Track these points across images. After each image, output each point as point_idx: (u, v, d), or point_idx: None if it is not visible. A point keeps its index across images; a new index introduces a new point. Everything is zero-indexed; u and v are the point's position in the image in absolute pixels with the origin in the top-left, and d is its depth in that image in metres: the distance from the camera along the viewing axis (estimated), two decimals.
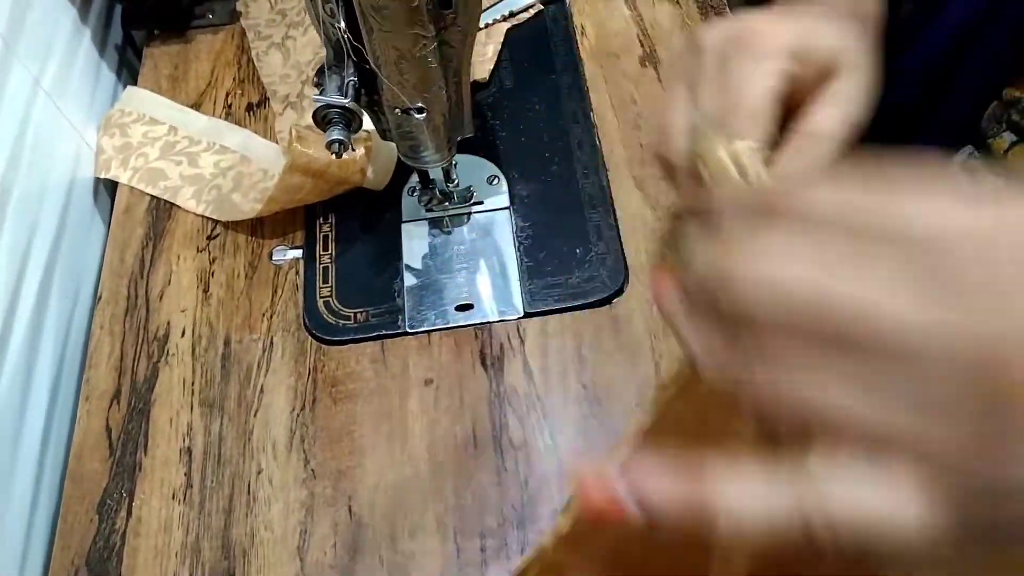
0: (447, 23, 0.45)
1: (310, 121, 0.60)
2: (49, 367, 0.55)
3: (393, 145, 0.53)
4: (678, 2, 0.66)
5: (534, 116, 0.62)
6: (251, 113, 0.65)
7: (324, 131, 0.46)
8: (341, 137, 0.45)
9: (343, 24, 0.43)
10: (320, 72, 0.46)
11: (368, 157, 0.56)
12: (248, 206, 0.58)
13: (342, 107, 0.45)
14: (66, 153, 0.63)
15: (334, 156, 0.46)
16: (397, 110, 0.48)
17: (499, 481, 0.47)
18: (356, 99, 0.46)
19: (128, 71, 0.74)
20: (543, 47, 0.66)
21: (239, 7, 0.71)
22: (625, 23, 0.66)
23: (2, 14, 0.57)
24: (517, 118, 0.62)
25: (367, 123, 0.49)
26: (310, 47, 0.67)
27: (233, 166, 0.61)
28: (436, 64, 0.45)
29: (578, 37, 0.66)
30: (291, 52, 0.67)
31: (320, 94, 0.46)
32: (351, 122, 0.46)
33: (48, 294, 0.57)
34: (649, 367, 0.50)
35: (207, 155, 0.62)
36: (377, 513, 0.47)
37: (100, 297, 0.57)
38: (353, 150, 0.54)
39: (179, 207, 0.60)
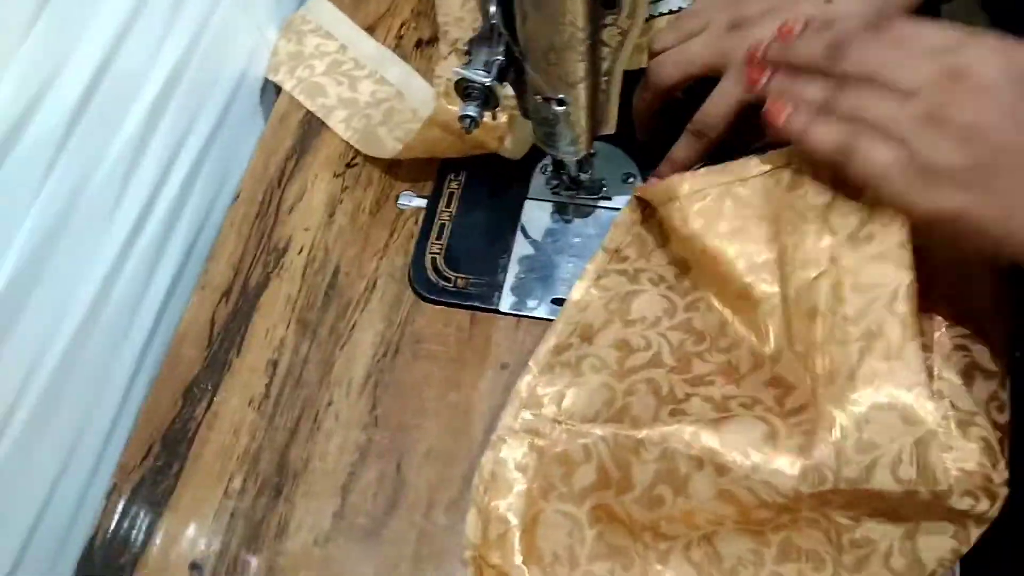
0: (607, 22, 0.43)
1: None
2: (178, 250, 0.60)
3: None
4: None
5: (682, 118, 0.59)
6: (419, 49, 0.65)
7: (462, 101, 0.46)
8: (474, 114, 0.45)
9: (496, 5, 0.42)
10: (472, 42, 0.46)
11: (510, 126, 0.55)
12: (390, 144, 0.59)
13: (481, 83, 0.44)
14: (243, 48, 0.66)
15: (464, 130, 0.46)
16: (539, 97, 0.47)
17: None
18: (499, 78, 0.45)
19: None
20: None
21: None
22: None
23: None
24: (664, 118, 0.59)
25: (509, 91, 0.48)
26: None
27: (388, 99, 0.62)
28: (587, 61, 0.44)
29: None
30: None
31: (466, 64, 0.45)
32: (488, 100, 0.45)
33: (195, 181, 0.61)
34: None
35: (367, 82, 0.64)
36: (423, 478, 0.49)
37: (238, 196, 0.60)
38: (495, 118, 0.53)
39: (328, 128, 0.62)
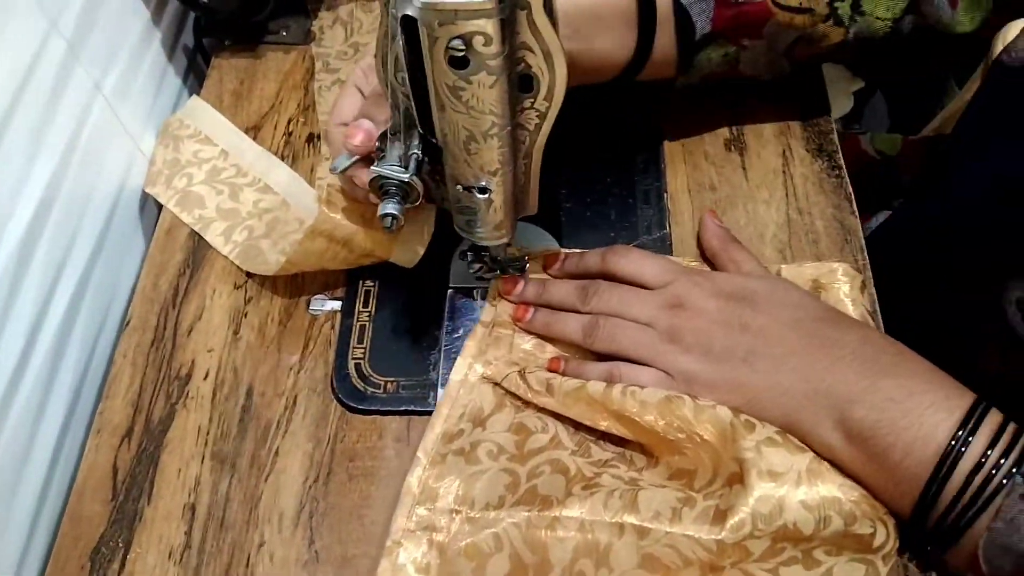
0: (524, 106, 0.41)
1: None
2: (66, 393, 0.53)
3: (430, 223, 0.51)
4: (771, 84, 0.62)
5: (603, 190, 0.58)
6: (311, 144, 0.62)
7: (380, 200, 0.43)
8: (395, 212, 0.42)
9: (413, 98, 0.39)
10: (383, 138, 0.43)
11: (399, 232, 0.52)
12: (273, 258, 0.54)
13: (400, 180, 0.42)
14: (118, 160, 0.61)
15: (386, 229, 0.43)
16: (459, 186, 0.44)
17: None
18: (417, 172, 0.42)
19: (195, 79, 0.72)
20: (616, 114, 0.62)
21: (315, 29, 0.68)
22: (714, 99, 0.62)
23: (71, 15, 0.55)
24: (585, 189, 0.58)
25: None
26: None
27: (271, 209, 0.58)
28: (506, 147, 0.42)
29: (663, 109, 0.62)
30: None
31: (379, 161, 0.42)
32: (408, 195, 0.43)
33: (78, 309, 0.55)
34: None
35: (249, 191, 0.60)
36: None
37: (128, 322, 0.55)
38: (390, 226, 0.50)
39: None
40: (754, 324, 0.45)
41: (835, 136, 0.59)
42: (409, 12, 0.35)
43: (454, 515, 0.44)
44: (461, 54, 0.36)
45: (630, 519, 0.42)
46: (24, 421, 0.49)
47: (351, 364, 0.52)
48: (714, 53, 0.52)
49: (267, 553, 0.46)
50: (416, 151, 0.42)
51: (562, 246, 0.55)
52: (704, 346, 0.46)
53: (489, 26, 0.35)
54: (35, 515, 0.50)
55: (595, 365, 0.48)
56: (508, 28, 0.36)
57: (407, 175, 0.41)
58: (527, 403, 0.49)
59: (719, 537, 0.41)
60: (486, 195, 0.44)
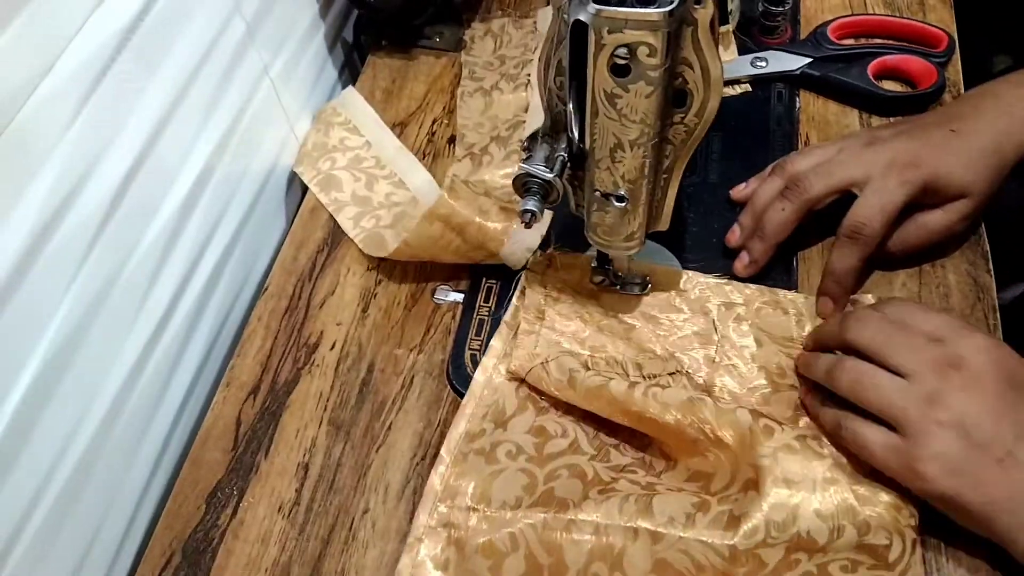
0: (674, 120, 0.43)
1: (484, 176, 0.61)
2: (201, 346, 0.57)
3: (542, 228, 0.54)
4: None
5: (731, 218, 0.58)
6: (451, 145, 0.65)
7: (521, 197, 0.45)
8: (534, 208, 0.44)
9: (570, 102, 0.41)
10: (532, 137, 0.45)
11: (508, 231, 0.54)
12: (393, 245, 0.57)
13: (544, 179, 0.43)
14: (274, 140, 0.65)
15: (522, 224, 0.44)
16: (598, 192, 0.46)
17: None
18: (560, 174, 0.44)
19: (350, 75, 0.76)
20: (760, 146, 0.62)
21: (466, 39, 0.71)
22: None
23: (253, 2, 0.59)
24: (713, 215, 0.59)
25: None
26: (513, 106, 0.66)
27: (401, 203, 0.61)
28: (651, 158, 0.43)
29: (800, 145, 0.62)
30: (494, 103, 0.66)
31: (526, 160, 0.44)
32: (548, 195, 0.44)
33: (221, 274, 0.59)
34: None
35: (384, 183, 0.63)
36: None
37: (266, 289, 0.58)
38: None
39: None
40: None
41: None
42: (581, 17, 0.37)
43: (471, 513, 0.45)
44: (624, 62, 0.38)
45: (644, 524, 0.42)
46: (162, 368, 0.53)
47: (467, 354, 0.53)
48: None
49: (370, 520, 0.48)
50: (562, 153, 0.44)
51: (684, 267, 0.56)
52: (966, 427, 0.40)
53: (655, 38, 0.37)
54: (159, 456, 0.54)
55: (829, 409, 0.46)
56: (672, 42, 0.38)
57: (551, 175, 0.43)
58: (550, 405, 0.50)
59: (732, 543, 0.41)
60: (623, 204, 0.45)
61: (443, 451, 0.48)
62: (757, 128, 0.63)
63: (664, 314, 0.54)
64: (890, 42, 0.65)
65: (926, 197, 0.50)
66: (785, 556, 0.42)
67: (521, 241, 0.55)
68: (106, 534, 0.49)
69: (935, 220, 0.51)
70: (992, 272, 0.54)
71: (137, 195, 0.49)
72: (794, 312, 0.53)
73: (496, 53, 0.71)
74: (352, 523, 0.48)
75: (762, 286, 0.54)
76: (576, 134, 0.43)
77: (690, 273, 0.55)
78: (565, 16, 0.38)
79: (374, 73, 0.71)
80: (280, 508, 0.49)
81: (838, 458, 0.45)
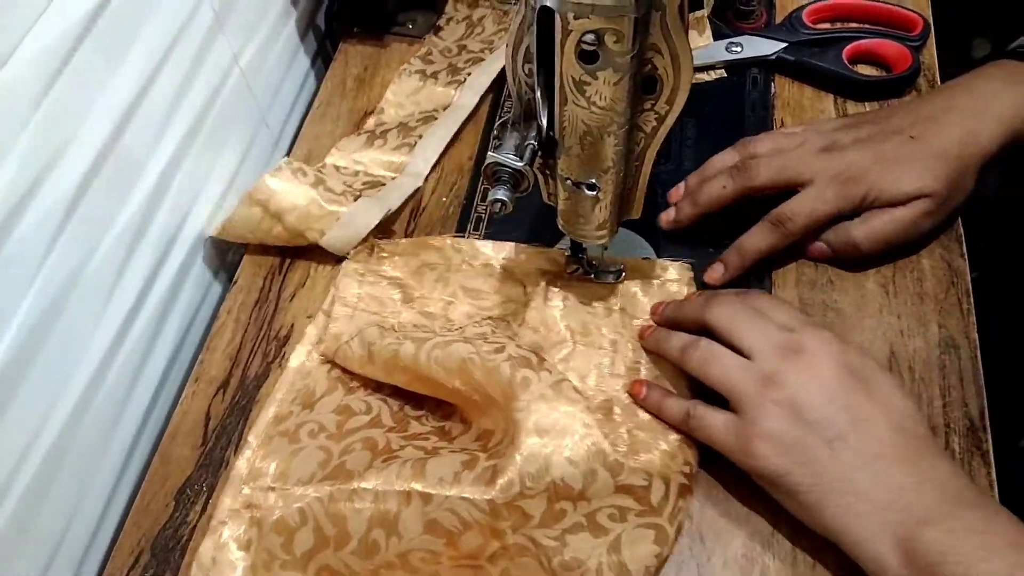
0: (644, 107, 0.42)
1: (365, 157, 0.62)
2: (170, 342, 0.56)
3: (371, 217, 0.55)
4: None
5: None
6: None
7: (491, 186, 0.44)
8: (504, 198, 0.43)
9: (538, 90, 0.40)
10: (503, 126, 0.44)
11: (333, 219, 0.55)
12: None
13: (513, 168, 0.43)
14: (244, 131, 0.64)
15: (494, 214, 0.44)
16: (569, 181, 0.45)
17: None
18: (531, 162, 0.43)
19: (323, 62, 0.75)
20: (734, 132, 0.62)
21: (443, 18, 0.70)
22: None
23: None
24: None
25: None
26: (437, 99, 0.65)
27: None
28: (621, 146, 0.43)
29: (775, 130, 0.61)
30: (424, 89, 0.66)
31: (496, 148, 0.44)
32: (519, 184, 0.44)
33: (190, 269, 0.58)
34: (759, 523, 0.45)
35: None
36: None
37: (235, 282, 0.57)
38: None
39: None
40: (860, 411, 0.42)
41: None
42: (547, 3, 0.37)
43: (270, 492, 0.46)
44: (591, 49, 0.37)
45: (416, 486, 0.43)
46: (131, 362, 0.52)
47: None
48: None
49: None
50: (532, 142, 0.43)
51: (658, 255, 0.56)
52: (798, 407, 0.42)
53: (622, 24, 0.36)
54: (129, 452, 0.53)
55: (673, 402, 0.47)
56: (640, 27, 0.37)
57: (521, 163, 0.42)
58: (360, 385, 0.51)
59: (490, 497, 0.41)
60: (594, 192, 0.45)
61: (250, 436, 0.49)
62: (732, 114, 0.63)
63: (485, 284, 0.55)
64: (865, 26, 0.65)
65: (867, 207, 0.51)
66: (549, 507, 0.42)
67: (345, 231, 0.55)
68: (75, 532, 0.48)
69: (901, 213, 0.50)
70: (966, 256, 0.54)
71: (103, 187, 0.48)
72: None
73: (461, 41, 0.70)
74: None
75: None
76: (545, 122, 0.43)
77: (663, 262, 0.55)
78: (532, 2, 0.38)
79: (346, 61, 0.70)
80: (248, 506, 0.48)
81: (592, 401, 0.47)
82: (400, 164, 0.61)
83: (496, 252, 0.55)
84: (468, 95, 0.65)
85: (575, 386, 0.45)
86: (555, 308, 0.53)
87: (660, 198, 0.59)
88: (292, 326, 0.55)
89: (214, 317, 0.57)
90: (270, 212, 0.54)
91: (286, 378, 0.51)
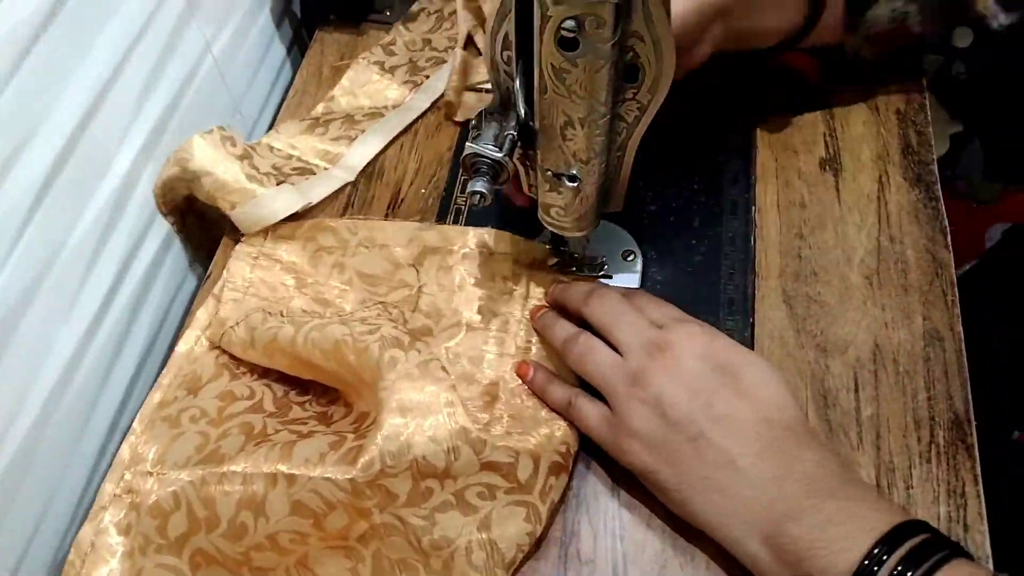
0: (626, 97, 0.41)
1: (299, 143, 0.61)
2: (142, 339, 0.55)
3: (288, 204, 0.55)
4: (876, 110, 0.60)
5: (690, 196, 0.57)
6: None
7: (470, 177, 0.43)
8: (483, 190, 0.42)
9: (517, 78, 0.39)
10: (481, 115, 0.43)
11: (249, 196, 0.54)
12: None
13: (492, 159, 0.42)
14: (218, 120, 0.62)
15: (473, 206, 0.43)
16: (549, 172, 0.44)
17: None
18: (510, 153, 0.42)
19: (299, 50, 0.73)
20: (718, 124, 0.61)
21: (415, 8, 0.69)
22: (814, 118, 0.60)
23: None
24: (671, 194, 0.57)
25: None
26: (389, 96, 0.64)
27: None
28: (603, 136, 0.42)
29: (759, 121, 0.61)
30: (378, 83, 0.65)
31: (475, 139, 0.43)
32: (499, 175, 0.43)
33: (161, 263, 0.57)
34: None
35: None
36: None
37: (209, 275, 0.56)
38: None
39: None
40: (722, 407, 0.41)
41: (935, 167, 0.58)
42: None
43: (148, 476, 0.45)
44: (572, 36, 0.36)
45: (282, 468, 0.42)
46: (101, 360, 0.51)
47: None
48: (882, 9, 0.51)
49: None
50: (511, 132, 0.42)
51: (641, 249, 0.55)
52: (662, 406, 0.42)
53: (604, 9, 0.35)
54: (99, 452, 0.52)
55: (557, 387, 0.47)
56: (622, 14, 0.36)
57: (500, 154, 0.41)
58: (247, 370, 0.51)
59: (351, 476, 0.41)
60: (575, 183, 0.44)
61: (135, 422, 0.48)
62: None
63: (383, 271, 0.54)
64: None
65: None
66: (415, 486, 0.42)
67: (257, 211, 0.54)
68: (42, 538, 0.47)
69: None
70: (950, 247, 0.54)
71: (71, 178, 0.46)
72: (504, 252, 0.53)
73: (428, 35, 0.68)
74: None
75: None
76: (524, 111, 0.41)
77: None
78: None
79: (322, 49, 0.68)
80: None
81: (460, 381, 0.47)
82: (336, 155, 0.60)
83: (393, 233, 0.55)
84: (421, 98, 0.64)
85: (443, 365, 0.45)
86: (449, 291, 0.52)
87: (644, 190, 0.58)
88: None
89: (189, 309, 0.55)
90: (186, 172, 0.54)
91: (173, 363, 0.51)
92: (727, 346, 0.44)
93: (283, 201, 0.55)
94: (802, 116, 0.60)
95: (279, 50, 0.71)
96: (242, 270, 0.54)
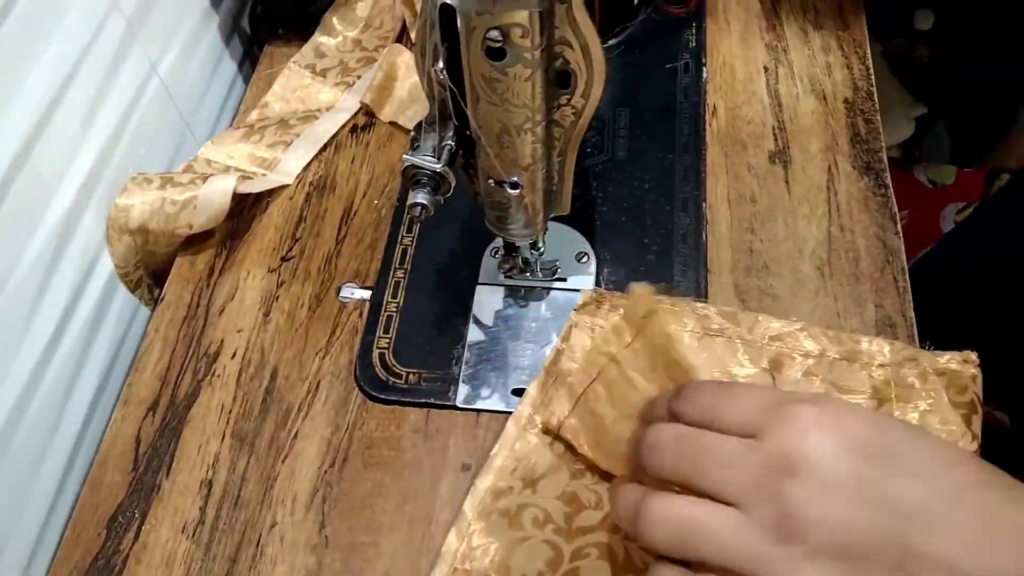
0: (560, 103, 0.41)
1: (235, 151, 0.61)
2: (99, 365, 0.55)
3: (225, 196, 0.55)
4: (824, 100, 0.61)
5: (641, 195, 0.57)
6: (354, 134, 0.63)
7: (411, 190, 0.43)
8: (424, 202, 0.42)
9: (449, 89, 0.39)
10: (418, 128, 0.43)
11: (191, 208, 0.55)
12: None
13: (431, 170, 0.42)
14: (169, 140, 0.62)
15: (414, 218, 0.43)
16: (491, 180, 0.44)
17: None
18: (450, 163, 0.42)
19: (250, 66, 0.73)
20: (667, 119, 0.61)
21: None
22: (762, 111, 0.61)
23: None
24: (622, 194, 0.57)
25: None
26: (322, 99, 0.64)
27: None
28: (540, 143, 0.42)
29: (708, 116, 0.61)
30: (310, 87, 0.65)
31: (414, 151, 0.43)
32: (439, 186, 0.43)
33: (116, 288, 0.56)
34: None
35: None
36: None
37: (163, 298, 0.56)
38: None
39: (260, 219, 0.58)
40: (908, 499, 0.29)
41: (884, 155, 0.58)
42: (448, 1, 0.35)
43: None
44: (498, 45, 0.36)
45: None
46: (57, 389, 0.50)
47: (375, 353, 0.52)
48: None
49: (278, 534, 0.46)
50: (450, 142, 0.42)
51: (594, 249, 0.55)
52: (840, 546, 0.29)
53: (526, 18, 0.35)
54: (61, 482, 0.51)
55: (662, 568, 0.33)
56: (546, 21, 0.36)
57: (439, 165, 0.41)
58: (586, 468, 0.45)
59: None
60: (517, 191, 0.44)
61: (466, 506, 0.45)
62: (664, 101, 0.62)
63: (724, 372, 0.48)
64: None
65: None
66: None
67: (208, 210, 0.55)
68: (8, 563, 0.46)
69: None
70: (900, 235, 0.54)
71: (14, 207, 0.46)
72: (876, 365, 0.47)
73: (360, 34, 0.68)
74: (259, 539, 0.46)
75: (839, 332, 0.48)
76: (459, 122, 0.41)
77: (714, 309, 0.50)
78: (432, 0, 0.36)
79: (271, 64, 0.68)
80: (184, 528, 0.47)
81: None
82: (272, 161, 0.61)
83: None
84: (352, 99, 0.64)
85: None
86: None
87: (595, 191, 0.58)
88: (222, 342, 0.53)
89: (144, 334, 0.55)
90: (132, 230, 0.54)
91: (504, 442, 0.45)
92: (857, 416, 0.32)
93: (219, 186, 0.55)
94: (751, 108, 0.61)
95: (230, 67, 0.71)
96: (583, 344, 0.47)
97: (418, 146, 0.43)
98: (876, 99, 0.61)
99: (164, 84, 0.61)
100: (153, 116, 0.60)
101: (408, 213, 0.42)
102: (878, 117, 0.60)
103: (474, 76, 0.38)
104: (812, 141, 0.59)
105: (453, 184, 0.43)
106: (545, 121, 0.41)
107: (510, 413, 0.48)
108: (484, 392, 0.50)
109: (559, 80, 0.40)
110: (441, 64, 0.38)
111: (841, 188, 0.56)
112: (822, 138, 0.59)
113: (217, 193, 0.55)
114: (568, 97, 0.41)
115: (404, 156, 0.42)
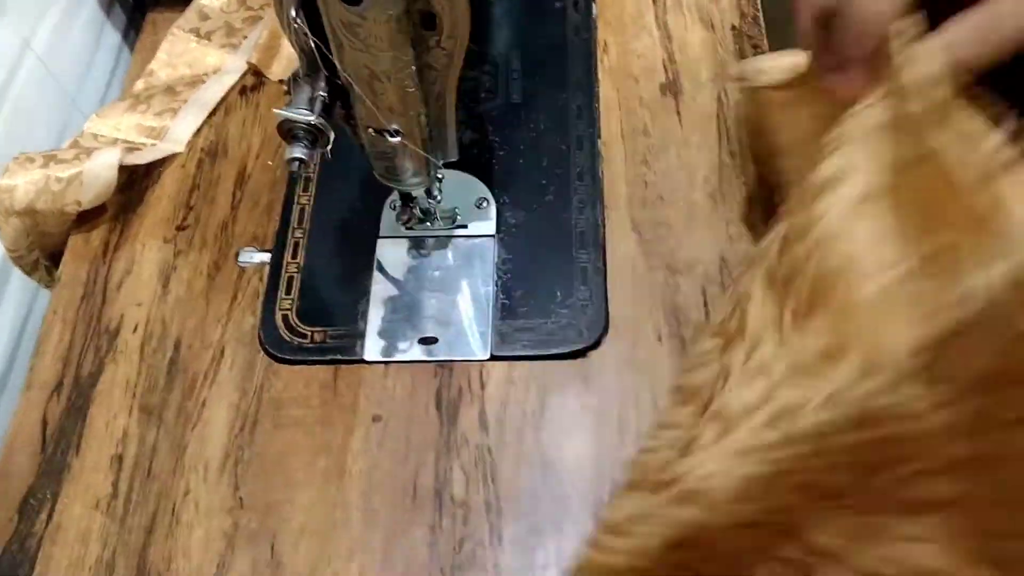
0: (430, 45, 0.41)
1: (122, 122, 0.59)
2: (2, 352, 0.53)
3: (112, 169, 0.54)
4: (712, 28, 0.61)
5: (537, 136, 0.57)
6: (243, 96, 0.62)
7: (288, 144, 0.42)
8: (302, 156, 0.41)
9: (311, 37, 0.39)
10: (291, 81, 0.43)
11: (77, 185, 0.54)
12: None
13: (306, 123, 0.41)
14: (54, 118, 0.61)
15: (291, 173, 0.42)
16: (370, 129, 0.44)
17: (432, 540, 0.44)
18: (325, 115, 0.42)
19: (136, 35, 0.71)
20: (559, 58, 0.61)
21: None
22: (652, 44, 0.61)
23: None
24: (518, 137, 0.58)
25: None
26: (208, 63, 0.63)
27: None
28: (414, 87, 0.41)
29: (599, 53, 0.61)
30: (195, 51, 0.63)
31: (287, 105, 0.42)
32: (317, 139, 0.42)
33: (9, 273, 0.55)
34: (613, 436, 0.46)
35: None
36: (300, 557, 0.44)
37: (59, 279, 0.54)
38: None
39: (152, 191, 0.57)
40: None
41: None
42: None
43: None
44: None
45: None
46: None
47: (279, 315, 0.51)
48: None
49: (192, 501, 0.46)
50: (322, 93, 0.41)
51: (493, 194, 0.55)
52: None
53: None
54: None
55: None
56: None
57: (312, 117, 0.41)
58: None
59: None
60: (398, 138, 0.44)
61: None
62: (555, 40, 0.62)
63: None
64: None
65: None
66: None
67: (95, 185, 0.54)
68: None
69: None
70: None
71: None
72: None
73: None
74: (174, 507, 0.46)
75: None
76: (329, 71, 0.41)
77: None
78: None
79: (155, 31, 0.66)
80: (97, 504, 0.47)
81: None
82: (161, 130, 0.59)
83: None
84: (239, 60, 0.63)
85: None
86: None
87: (492, 135, 0.58)
88: (122, 317, 0.52)
89: (44, 319, 0.54)
90: (19, 212, 0.53)
91: None
92: None
93: (105, 160, 0.54)
94: (641, 42, 0.61)
95: (113, 37, 0.69)
96: None
97: (291, 100, 0.42)
98: (763, 24, 0.62)
99: (41, 60, 0.59)
100: (32, 94, 0.58)
101: (288, 168, 0.42)
102: (765, 42, 0.61)
103: (333, 22, 0.38)
104: (702, 70, 0.59)
105: (332, 136, 0.43)
106: (416, 65, 0.41)
107: (416, 363, 0.49)
108: (392, 344, 0.50)
109: (424, 22, 0.39)
110: (294, 12, 0.38)
111: (730, 115, 0.57)
112: (711, 67, 0.59)
113: (103, 167, 0.54)
114: (437, 39, 0.40)
115: (275, 111, 0.41)
